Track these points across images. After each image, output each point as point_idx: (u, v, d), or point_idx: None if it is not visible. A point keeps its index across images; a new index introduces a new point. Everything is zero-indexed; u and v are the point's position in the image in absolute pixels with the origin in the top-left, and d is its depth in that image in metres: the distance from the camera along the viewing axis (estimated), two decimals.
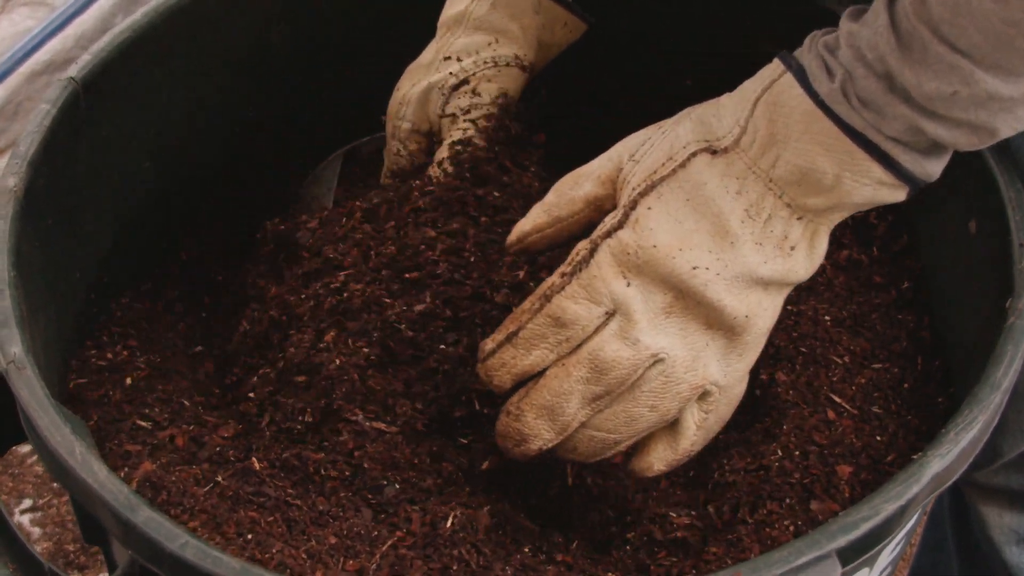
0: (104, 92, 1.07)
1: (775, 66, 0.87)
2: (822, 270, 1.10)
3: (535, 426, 0.89)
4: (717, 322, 0.87)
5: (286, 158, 1.27)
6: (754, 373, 1.05)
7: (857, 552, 0.80)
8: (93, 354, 1.07)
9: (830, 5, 1.14)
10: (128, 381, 1.05)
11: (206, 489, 0.94)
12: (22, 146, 0.99)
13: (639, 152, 0.91)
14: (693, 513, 0.97)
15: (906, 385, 1.02)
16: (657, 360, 0.87)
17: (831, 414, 0.99)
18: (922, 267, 1.09)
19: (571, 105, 1.36)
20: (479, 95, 1.13)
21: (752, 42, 1.24)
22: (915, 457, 0.83)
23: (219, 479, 0.97)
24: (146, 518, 0.77)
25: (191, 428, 1.01)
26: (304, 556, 0.89)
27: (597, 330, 0.87)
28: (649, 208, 0.87)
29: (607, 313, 0.87)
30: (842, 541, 0.78)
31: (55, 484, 1.93)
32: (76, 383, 1.03)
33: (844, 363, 1.03)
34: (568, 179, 0.96)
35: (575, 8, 1.18)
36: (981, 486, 1.36)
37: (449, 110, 1.13)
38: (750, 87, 0.88)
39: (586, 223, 0.94)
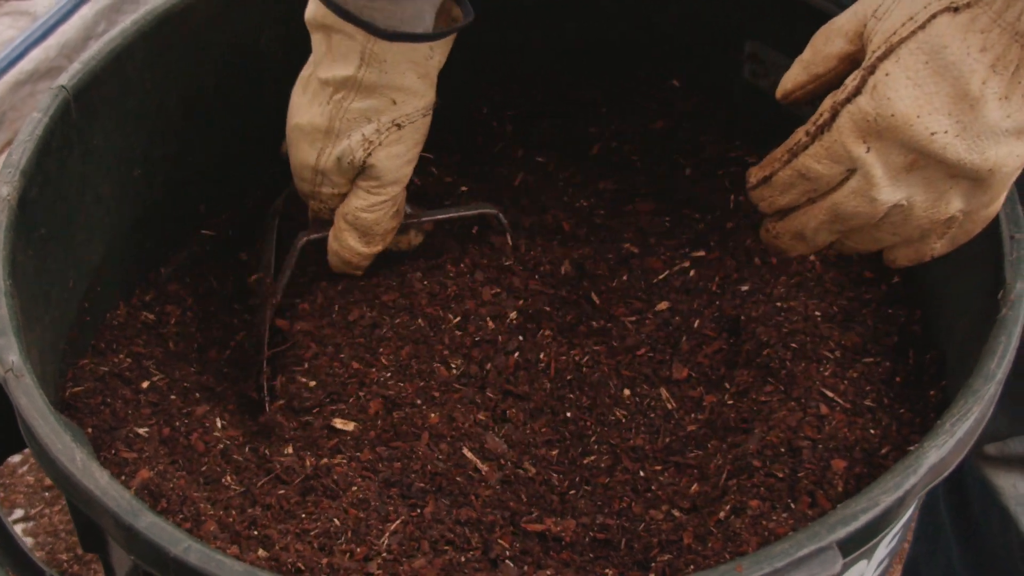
0: (94, 100, 1.07)
1: None
2: (811, 266, 1.10)
3: (791, 244, 1.00)
4: (960, 174, 0.89)
5: (278, 165, 1.27)
6: (747, 370, 1.06)
7: (856, 544, 0.80)
8: (88, 363, 1.07)
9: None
10: (123, 389, 1.05)
11: (204, 495, 0.95)
12: (14, 155, 0.99)
13: (882, 7, 0.91)
14: (690, 509, 0.98)
15: (898, 379, 1.03)
16: (897, 205, 0.91)
17: (824, 409, 0.99)
18: None
19: (553, 109, 1.37)
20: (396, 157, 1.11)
21: (738, 41, 1.26)
22: (911, 449, 0.84)
23: (218, 482, 0.98)
24: (149, 523, 0.77)
25: (188, 434, 1.01)
26: (313, 546, 0.89)
27: (841, 183, 0.92)
28: (887, 74, 0.87)
29: (849, 170, 0.91)
30: (841, 533, 0.78)
31: (47, 494, 1.92)
32: (71, 391, 1.03)
33: (835, 358, 1.03)
34: (821, 34, 0.98)
35: (466, 26, 1.11)
36: (995, 457, 1.37)
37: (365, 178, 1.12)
38: None
39: (844, 76, 0.95)
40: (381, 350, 1.09)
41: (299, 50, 1.23)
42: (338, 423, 1.03)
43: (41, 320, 1.00)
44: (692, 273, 1.17)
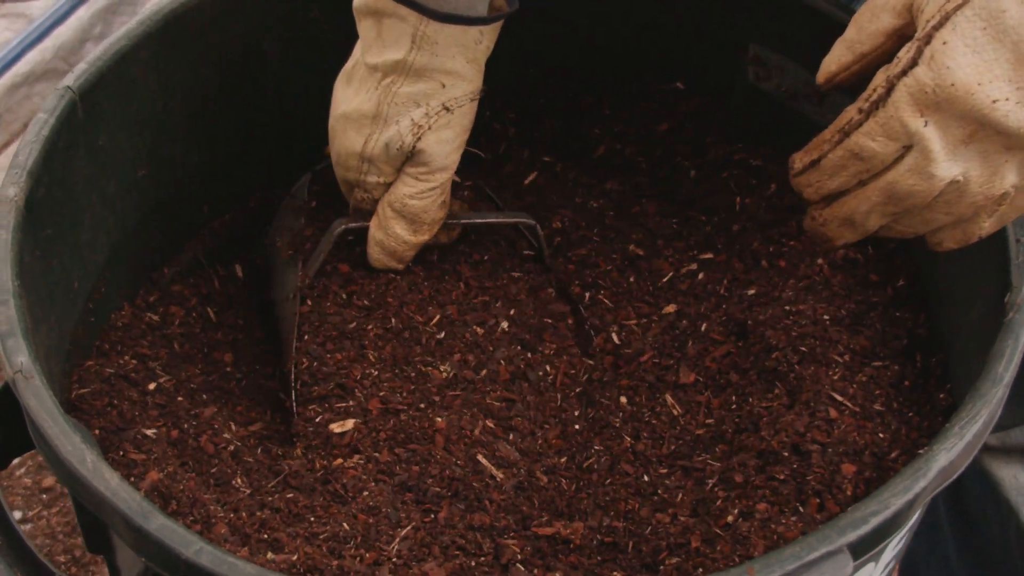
0: (100, 101, 1.07)
1: None
2: (819, 269, 1.10)
3: (838, 232, 0.97)
4: (1017, 145, 0.87)
5: (281, 165, 1.27)
6: (755, 374, 1.06)
7: (866, 547, 0.80)
8: (93, 364, 1.06)
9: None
10: (130, 390, 1.04)
11: (214, 496, 0.94)
12: (20, 156, 0.98)
13: None
14: (697, 513, 0.98)
15: (906, 382, 1.03)
16: (953, 181, 0.89)
17: (833, 413, 0.99)
18: (918, 264, 1.10)
19: (557, 111, 1.37)
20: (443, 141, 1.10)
21: (741, 44, 1.26)
22: (921, 452, 0.84)
23: (228, 484, 0.97)
24: (160, 525, 0.77)
25: (197, 436, 1.01)
26: (324, 550, 0.89)
27: (896, 162, 0.90)
28: (944, 43, 0.85)
29: (904, 147, 0.89)
30: (852, 536, 0.78)
31: (44, 496, 1.92)
32: (77, 393, 1.02)
33: (844, 361, 1.03)
34: (865, 11, 0.95)
35: (512, 12, 1.11)
36: (995, 448, 1.36)
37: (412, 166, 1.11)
38: None
39: (891, 53, 0.93)
40: (365, 344, 1.09)
41: (302, 51, 1.24)
42: (336, 427, 1.03)
43: (46, 321, 0.99)
44: (700, 276, 1.17)
